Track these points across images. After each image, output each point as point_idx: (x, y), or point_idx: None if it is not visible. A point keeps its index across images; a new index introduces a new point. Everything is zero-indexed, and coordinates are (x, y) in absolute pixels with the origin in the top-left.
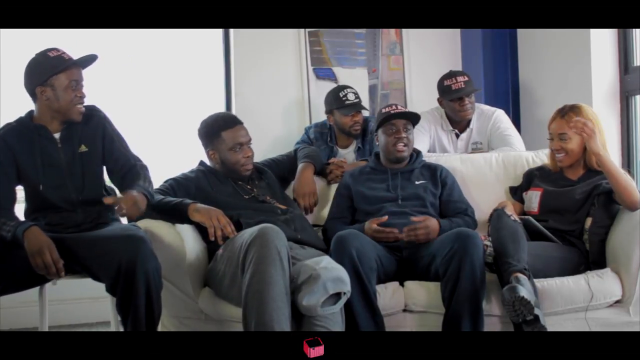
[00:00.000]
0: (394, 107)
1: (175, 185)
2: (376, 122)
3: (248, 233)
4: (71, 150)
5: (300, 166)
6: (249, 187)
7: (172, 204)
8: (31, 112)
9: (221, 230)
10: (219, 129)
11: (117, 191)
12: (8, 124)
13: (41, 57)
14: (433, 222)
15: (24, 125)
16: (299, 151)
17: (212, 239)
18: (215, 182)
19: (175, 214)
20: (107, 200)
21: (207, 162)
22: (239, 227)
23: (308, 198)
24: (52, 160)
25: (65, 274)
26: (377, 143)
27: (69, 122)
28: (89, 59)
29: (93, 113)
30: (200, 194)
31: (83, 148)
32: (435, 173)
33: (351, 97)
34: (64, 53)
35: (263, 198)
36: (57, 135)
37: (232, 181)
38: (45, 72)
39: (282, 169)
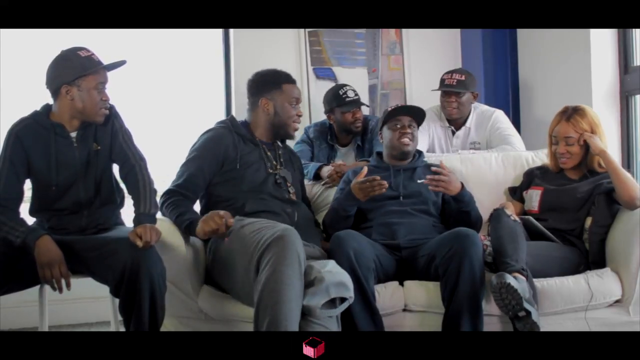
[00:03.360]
0: (398, 105)
1: (191, 185)
2: (380, 121)
3: (268, 234)
4: (87, 150)
5: None
6: (275, 162)
7: (175, 220)
8: (48, 107)
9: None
10: (280, 81)
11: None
12: (23, 119)
13: (71, 55)
14: (455, 179)
15: (40, 122)
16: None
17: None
18: (243, 148)
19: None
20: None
21: (239, 118)
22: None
23: None
24: (67, 159)
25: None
26: (381, 141)
27: (88, 122)
28: (117, 65)
29: (109, 111)
30: (226, 170)
31: (96, 147)
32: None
33: (351, 94)
34: (93, 54)
35: (281, 180)
36: (73, 135)
37: (262, 148)
38: (74, 71)
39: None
